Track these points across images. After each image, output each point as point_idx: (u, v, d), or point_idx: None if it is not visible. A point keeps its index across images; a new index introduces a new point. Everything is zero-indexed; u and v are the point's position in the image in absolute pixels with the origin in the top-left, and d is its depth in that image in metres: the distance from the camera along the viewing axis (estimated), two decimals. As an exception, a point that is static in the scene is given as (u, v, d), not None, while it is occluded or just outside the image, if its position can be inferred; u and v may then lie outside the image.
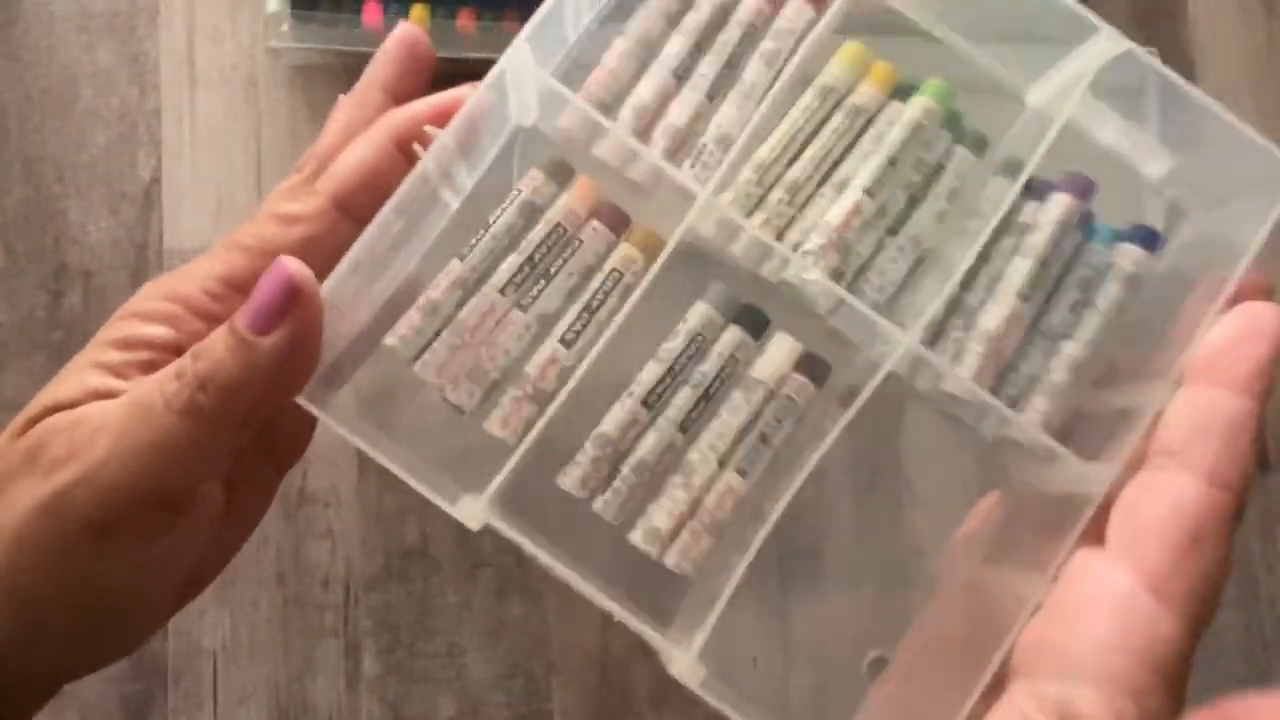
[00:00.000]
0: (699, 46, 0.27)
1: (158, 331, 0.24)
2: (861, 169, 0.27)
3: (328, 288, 0.24)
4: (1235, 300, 0.24)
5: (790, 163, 0.27)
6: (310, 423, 0.27)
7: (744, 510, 0.26)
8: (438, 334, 0.25)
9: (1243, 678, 0.52)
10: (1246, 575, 0.53)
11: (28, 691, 0.24)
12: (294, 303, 0.22)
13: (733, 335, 0.26)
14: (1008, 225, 0.27)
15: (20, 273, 0.50)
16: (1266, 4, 0.57)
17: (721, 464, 0.26)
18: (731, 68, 0.27)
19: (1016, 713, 0.21)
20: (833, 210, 0.26)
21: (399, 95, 0.27)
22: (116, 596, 0.24)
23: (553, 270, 0.26)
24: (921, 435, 0.30)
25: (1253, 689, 0.52)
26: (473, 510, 0.24)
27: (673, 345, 0.26)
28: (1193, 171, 0.28)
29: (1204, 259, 0.27)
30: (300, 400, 0.24)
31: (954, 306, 0.27)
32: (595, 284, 0.26)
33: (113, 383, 0.24)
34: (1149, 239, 0.27)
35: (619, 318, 0.25)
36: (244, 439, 0.24)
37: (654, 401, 0.26)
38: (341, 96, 0.27)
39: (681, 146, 0.27)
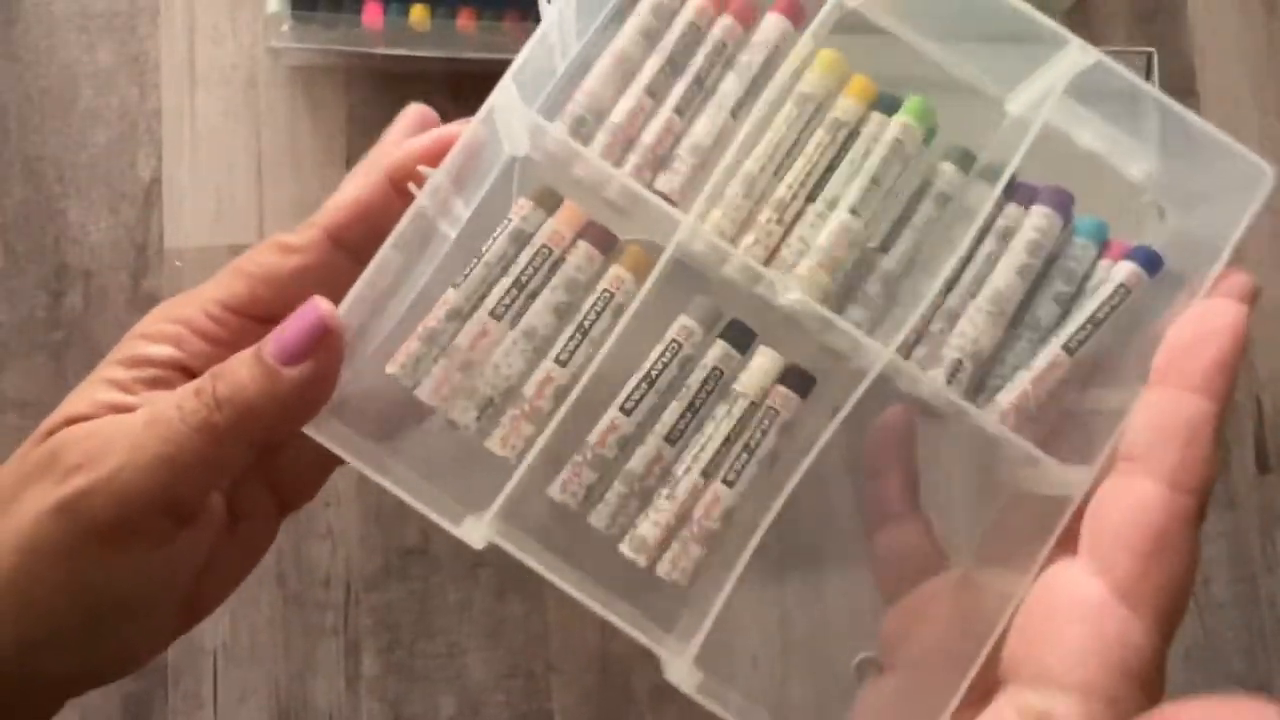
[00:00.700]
0: (672, 63, 0.28)
1: (162, 351, 0.26)
2: (847, 189, 0.27)
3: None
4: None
5: (776, 174, 0.27)
6: (319, 469, 0.29)
7: (734, 520, 0.26)
8: (436, 360, 0.26)
9: (1242, 677, 0.52)
10: (1246, 575, 0.53)
11: (34, 702, 0.25)
12: (321, 341, 0.24)
13: (719, 349, 0.27)
14: (989, 229, 0.28)
15: (20, 273, 0.50)
16: (1266, 4, 0.57)
17: (706, 475, 0.26)
18: (700, 83, 0.28)
19: None
20: (822, 232, 0.27)
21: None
22: (121, 601, 0.25)
23: (538, 289, 0.27)
24: (921, 437, 0.31)
25: (1252, 689, 0.52)
26: (476, 530, 0.25)
27: (652, 353, 0.27)
28: (1171, 174, 0.28)
29: (1185, 260, 0.27)
30: (307, 429, 0.25)
31: (936, 312, 0.27)
32: (588, 304, 0.27)
33: (122, 397, 0.25)
34: (1151, 262, 0.27)
35: (612, 337, 0.26)
36: (250, 457, 0.25)
37: (631, 408, 0.27)
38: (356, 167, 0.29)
39: (652, 164, 0.27)
